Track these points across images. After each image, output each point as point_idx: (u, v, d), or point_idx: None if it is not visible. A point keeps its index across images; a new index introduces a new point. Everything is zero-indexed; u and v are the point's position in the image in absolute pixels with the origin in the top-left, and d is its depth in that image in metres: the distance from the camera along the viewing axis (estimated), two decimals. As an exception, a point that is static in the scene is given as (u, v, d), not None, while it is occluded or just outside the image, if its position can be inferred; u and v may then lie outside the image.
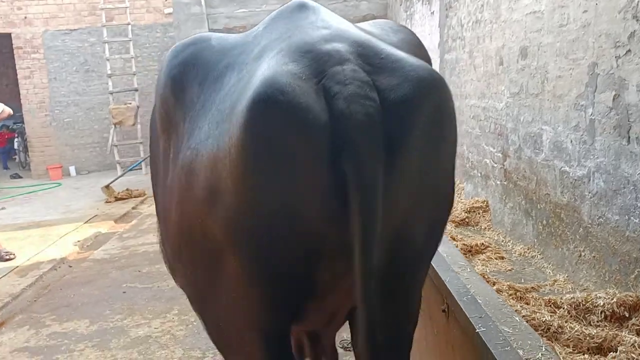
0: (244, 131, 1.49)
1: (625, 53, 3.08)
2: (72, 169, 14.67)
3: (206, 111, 1.78)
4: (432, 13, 7.30)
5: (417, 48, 2.13)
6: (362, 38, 1.67)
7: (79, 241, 7.80)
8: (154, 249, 7.30)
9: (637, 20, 2.96)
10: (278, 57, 1.60)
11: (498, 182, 5.01)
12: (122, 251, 7.31)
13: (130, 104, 13.65)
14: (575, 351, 2.52)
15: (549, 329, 2.65)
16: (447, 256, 3.07)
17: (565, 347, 2.54)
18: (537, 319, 2.68)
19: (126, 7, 14.09)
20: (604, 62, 3.28)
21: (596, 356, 2.46)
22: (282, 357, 1.84)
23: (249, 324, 1.79)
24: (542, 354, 1.99)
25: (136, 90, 13.96)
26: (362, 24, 2.15)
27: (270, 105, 1.46)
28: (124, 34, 14.28)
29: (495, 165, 5.08)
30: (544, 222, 4.08)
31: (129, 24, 14.04)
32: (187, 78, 1.93)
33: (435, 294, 2.90)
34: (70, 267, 6.86)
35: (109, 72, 13.82)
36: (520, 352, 2.01)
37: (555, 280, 3.66)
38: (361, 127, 1.43)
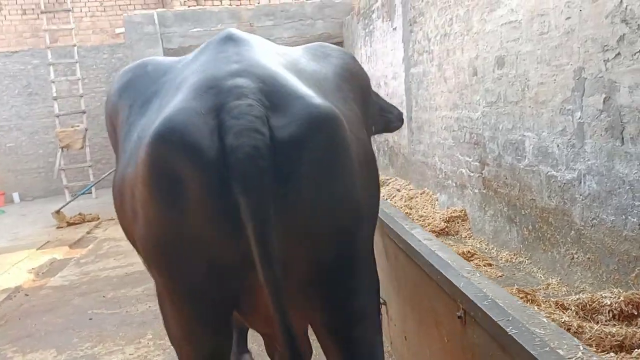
0: (143, 166, 1.70)
1: (615, 56, 3.15)
2: (15, 196, 14.02)
3: (131, 135, 1.99)
4: (395, 29, 7.37)
5: (348, 72, 2.26)
6: (268, 74, 1.81)
7: (33, 269, 7.38)
8: (116, 274, 6.99)
9: (627, 23, 3.04)
10: (186, 92, 1.77)
11: (476, 191, 5.04)
12: (81, 277, 6.96)
13: (77, 126, 13.21)
14: (599, 350, 2.51)
15: (569, 329, 2.63)
16: (451, 262, 3.02)
17: (588, 347, 2.51)
18: (556, 319, 2.66)
19: (71, 29, 13.71)
20: (592, 66, 3.35)
21: (621, 354, 2.45)
22: None
23: (179, 334, 2.04)
24: (582, 353, 1.95)
25: (84, 112, 13.55)
26: (295, 50, 2.31)
27: (163, 143, 1.64)
28: (70, 55, 13.86)
29: (472, 174, 5.11)
30: (530, 227, 4.11)
31: (74, 45, 13.65)
32: (123, 102, 2.16)
33: (446, 301, 2.85)
34: (27, 295, 6.47)
35: (55, 94, 13.36)
36: (560, 352, 1.97)
37: (548, 284, 3.68)
38: (248, 158, 1.56)
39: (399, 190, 6.89)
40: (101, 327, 5.28)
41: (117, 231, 9.32)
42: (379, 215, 4.39)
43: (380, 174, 8.61)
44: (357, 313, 2.05)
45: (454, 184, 5.59)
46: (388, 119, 4.20)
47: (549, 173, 3.84)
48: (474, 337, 2.51)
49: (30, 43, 14.39)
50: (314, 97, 1.77)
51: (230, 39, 1.99)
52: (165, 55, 10.54)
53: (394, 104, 4.46)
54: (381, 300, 4.45)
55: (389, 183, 7.51)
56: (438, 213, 5.47)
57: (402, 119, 4.24)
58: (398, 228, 3.90)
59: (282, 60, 2.03)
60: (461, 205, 5.41)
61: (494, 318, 2.28)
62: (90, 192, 12.67)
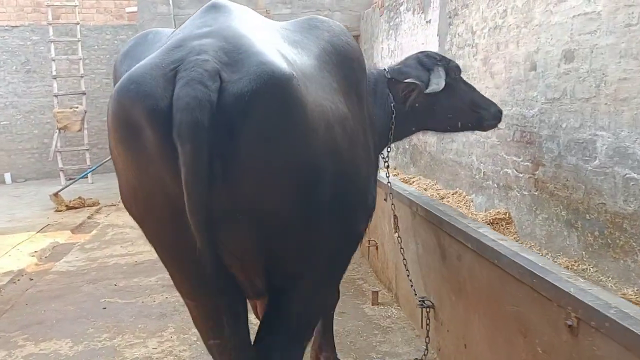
0: (109, 119, 1.85)
1: None
2: (7, 176, 13.56)
3: None
4: (428, 22, 7.09)
5: (330, 43, 2.29)
6: (234, 34, 1.87)
7: (35, 252, 7.01)
8: (126, 262, 6.63)
9: None
10: (157, 51, 1.88)
11: (525, 193, 4.77)
12: (88, 263, 6.60)
13: (76, 108, 12.80)
14: None
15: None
16: (543, 265, 2.75)
17: None
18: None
19: (75, 6, 13.27)
20: (694, 60, 3.09)
21: None
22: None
23: (176, 285, 2.25)
24: None
25: (83, 93, 13.13)
26: (282, 22, 2.39)
27: (122, 94, 1.75)
28: (72, 33, 13.45)
29: (521, 175, 4.84)
30: (596, 233, 3.84)
31: (77, 23, 13.22)
32: (123, 68, 2.25)
33: (545, 307, 2.56)
34: (32, 280, 6.12)
35: (54, 73, 12.91)
36: None
37: (624, 294, 3.41)
38: (186, 108, 1.63)
39: (425, 190, 6.60)
40: (117, 318, 4.94)
41: (119, 217, 8.95)
42: (433, 212, 4.12)
43: (400, 172, 8.28)
44: (296, 273, 2.14)
45: (495, 185, 5.31)
46: (480, 115, 3.89)
47: (627, 175, 3.57)
48: (593, 349, 2.23)
49: (31, 18, 13.94)
50: (268, 55, 1.80)
51: (213, 7, 2.07)
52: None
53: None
54: (427, 303, 4.17)
55: (412, 182, 7.23)
56: (479, 215, 5.19)
57: (500, 118, 3.93)
58: (462, 226, 3.61)
59: (258, 26, 2.08)
60: (504, 208, 5.14)
61: (633, 329, 2.01)
62: (87, 177, 12.24)
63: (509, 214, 5.04)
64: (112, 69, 2.58)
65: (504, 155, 5.15)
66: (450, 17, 6.38)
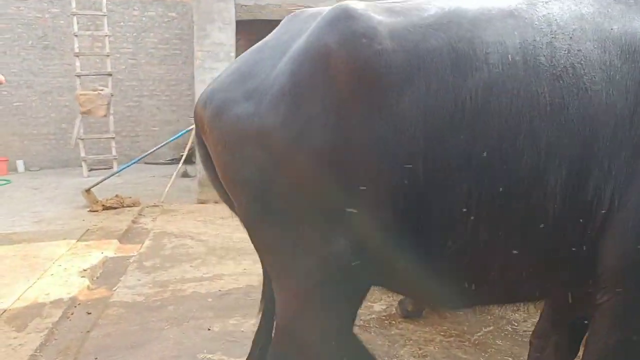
0: None
1: None
2: (20, 164, 11.95)
3: None
4: None
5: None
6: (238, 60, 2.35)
7: (84, 270, 5.44)
8: (207, 290, 5.07)
9: None
10: None
11: None
12: (158, 291, 5.05)
13: (102, 90, 11.23)
14: None
15: None
16: None
17: None
18: None
19: (100, -24, 11.68)
20: None
21: None
22: None
23: None
24: None
25: (109, 75, 11.57)
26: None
27: None
28: (97, 7, 11.91)
29: None
30: None
31: (103, -5, 11.62)
32: None
33: None
34: (90, 314, 4.57)
35: (77, 50, 11.33)
36: None
37: None
38: None
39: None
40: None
41: (169, 223, 7.42)
42: None
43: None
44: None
45: None
46: None
47: None
48: None
49: (50, -12, 12.32)
50: (214, 81, 2.25)
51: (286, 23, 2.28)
52: (237, 13, 8.68)
53: None
54: None
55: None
56: None
57: None
58: None
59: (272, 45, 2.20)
60: None
61: None
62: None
63: None
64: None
65: None
66: None
